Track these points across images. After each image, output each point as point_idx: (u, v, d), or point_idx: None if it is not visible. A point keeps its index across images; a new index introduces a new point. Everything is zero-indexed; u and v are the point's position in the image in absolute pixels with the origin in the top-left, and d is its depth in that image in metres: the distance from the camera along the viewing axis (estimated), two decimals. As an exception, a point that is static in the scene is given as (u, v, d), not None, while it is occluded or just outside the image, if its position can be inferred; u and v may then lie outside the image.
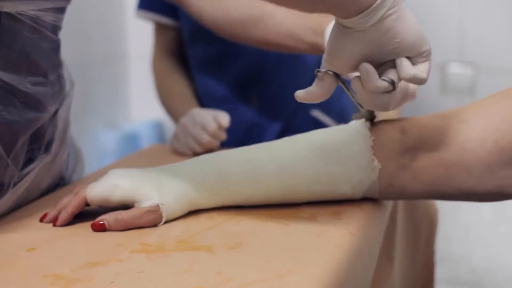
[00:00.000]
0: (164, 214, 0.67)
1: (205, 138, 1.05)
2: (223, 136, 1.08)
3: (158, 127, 2.17)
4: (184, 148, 1.09)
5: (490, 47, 1.71)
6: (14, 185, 0.73)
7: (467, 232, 1.78)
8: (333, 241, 0.63)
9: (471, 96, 1.74)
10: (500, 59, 1.71)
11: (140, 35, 1.96)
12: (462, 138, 0.69)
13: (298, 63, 1.33)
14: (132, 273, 0.56)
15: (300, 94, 0.67)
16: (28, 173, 0.75)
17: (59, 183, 0.87)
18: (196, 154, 1.05)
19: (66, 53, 0.85)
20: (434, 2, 1.75)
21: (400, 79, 0.65)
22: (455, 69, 1.74)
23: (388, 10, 0.61)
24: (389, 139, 0.72)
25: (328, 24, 0.97)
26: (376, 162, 0.71)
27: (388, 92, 0.65)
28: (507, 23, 1.69)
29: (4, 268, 0.57)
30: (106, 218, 0.66)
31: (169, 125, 2.18)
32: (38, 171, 0.77)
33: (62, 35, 0.94)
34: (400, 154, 0.71)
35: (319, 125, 1.34)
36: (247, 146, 0.74)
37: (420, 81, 0.64)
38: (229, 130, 1.16)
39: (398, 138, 0.72)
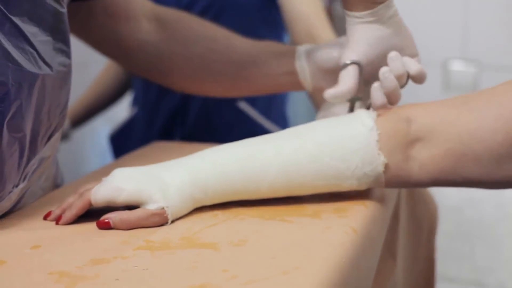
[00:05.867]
0: (169, 216, 0.67)
1: None
2: None
3: (160, 125, 2.17)
4: None
5: (492, 44, 1.71)
6: (25, 178, 0.71)
7: (470, 229, 1.78)
8: (336, 238, 0.63)
9: (473, 94, 1.74)
10: (503, 56, 1.71)
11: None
12: (472, 127, 0.67)
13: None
14: (137, 270, 0.56)
15: (330, 92, 0.76)
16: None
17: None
18: None
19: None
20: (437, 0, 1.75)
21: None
22: (457, 66, 1.74)
23: (395, 9, 0.77)
24: (396, 131, 0.70)
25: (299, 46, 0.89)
26: (382, 157, 0.70)
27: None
28: (510, 21, 1.69)
29: (9, 266, 0.57)
30: (111, 217, 0.66)
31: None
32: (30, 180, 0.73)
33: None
34: (407, 145, 0.70)
35: (244, 116, 1.39)
36: (251, 139, 0.74)
37: (424, 76, 0.77)
38: (158, 115, 1.36)
39: (405, 128, 0.70)
